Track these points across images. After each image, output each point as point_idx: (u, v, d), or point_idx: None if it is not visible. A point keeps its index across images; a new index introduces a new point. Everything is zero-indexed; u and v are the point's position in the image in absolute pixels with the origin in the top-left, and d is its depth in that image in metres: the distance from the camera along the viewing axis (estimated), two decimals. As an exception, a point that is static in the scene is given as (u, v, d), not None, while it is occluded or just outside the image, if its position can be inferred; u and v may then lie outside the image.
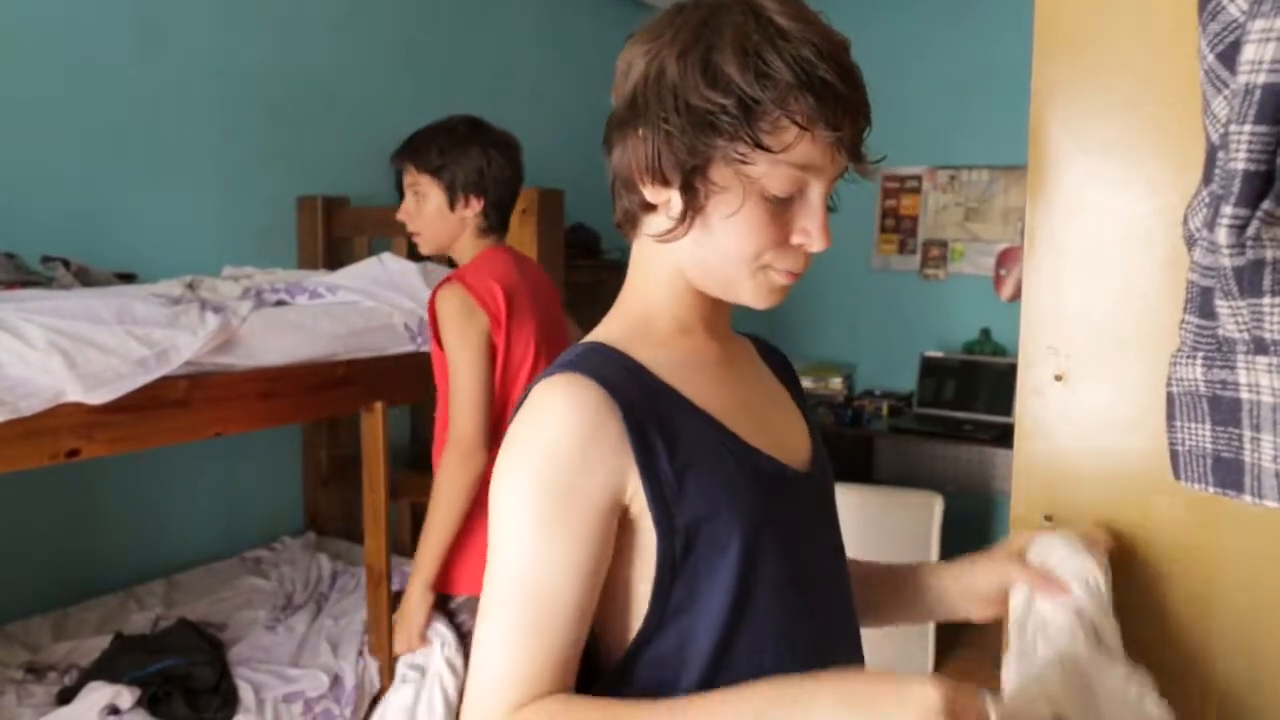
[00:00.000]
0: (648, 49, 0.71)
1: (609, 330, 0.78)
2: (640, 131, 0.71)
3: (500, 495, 0.69)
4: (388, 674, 2.10)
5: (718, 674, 0.71)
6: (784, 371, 0.94)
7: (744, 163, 0.67)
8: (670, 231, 0.72)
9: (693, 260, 0.75)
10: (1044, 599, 0.77)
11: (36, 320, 1.54)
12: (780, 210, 0.70)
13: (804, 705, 0.60)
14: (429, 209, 1.82)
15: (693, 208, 0.70)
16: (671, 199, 0.72)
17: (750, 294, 0.74)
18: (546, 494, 0.66)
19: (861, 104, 0.70)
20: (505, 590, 0.67)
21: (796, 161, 0.68)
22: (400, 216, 1.87)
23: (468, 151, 1.80)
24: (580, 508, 0.66)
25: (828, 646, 0.79)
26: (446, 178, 1.79)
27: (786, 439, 0.82)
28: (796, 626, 0.75)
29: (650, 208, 0.74)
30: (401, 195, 2.95)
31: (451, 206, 1.81)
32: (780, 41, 0.66)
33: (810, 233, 0.71)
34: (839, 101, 0.67)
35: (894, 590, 0.94)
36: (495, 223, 1.85)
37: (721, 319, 0.83)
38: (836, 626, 0.81)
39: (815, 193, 0.71)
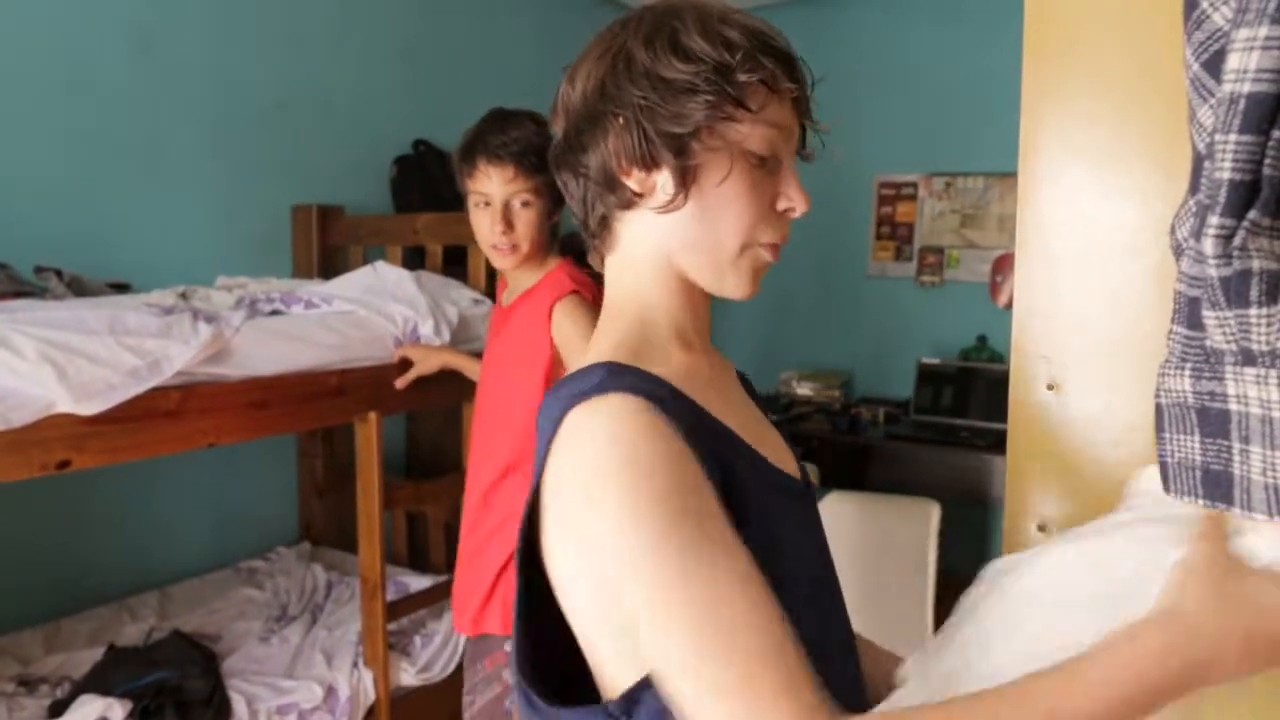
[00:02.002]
0: (601, 53, 0.74)
1: (613, 348, 0.73)
2: (620, 119, 0.71)
3: (620, 539, 0.59)
4: (382, 686, 2.09)
5: None
6: (752, 391, 0.93)
7: (731, 120, 0.70)
8: (669, 203, 0.71)
9: (685, 241, 0.74)
10: None
11: (27, 331, 1.53)
12: (761, 178, 0.73)
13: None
14: (535, 218, 1.62)
15: (688, 175, 0.71)
16: (660, 180, 0.72)
17: (736, 276, 0.75)
18: (671, 504, 0.59)
19: (805, 73, 0.76)
20: (702, 640, 0.56)
21: (771, 120, 0.72)
22: (503, 233, 1.60)
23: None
24: (704, 499, 0.61)
25: (842, 653, 0.79)
26: (551, 182, 1.65)
27: (779, 451, 0.82)
28: (820, 636, 0.74)
29: (633, 200, 0.74)
30: (400, 204, 2.99)
31: (550, 214, 1.65)
32: (733, 19, 0.72)
33: (792, 197, 0.75)
34: (793, 63, 0.74)
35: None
36: (554, 245, 1.71)
37: (708, 330, 0.83)
38: (844, 631, 0.82)
39: (786, 158, 0.75)
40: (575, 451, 0.63)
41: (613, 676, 0.64)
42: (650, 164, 0.71)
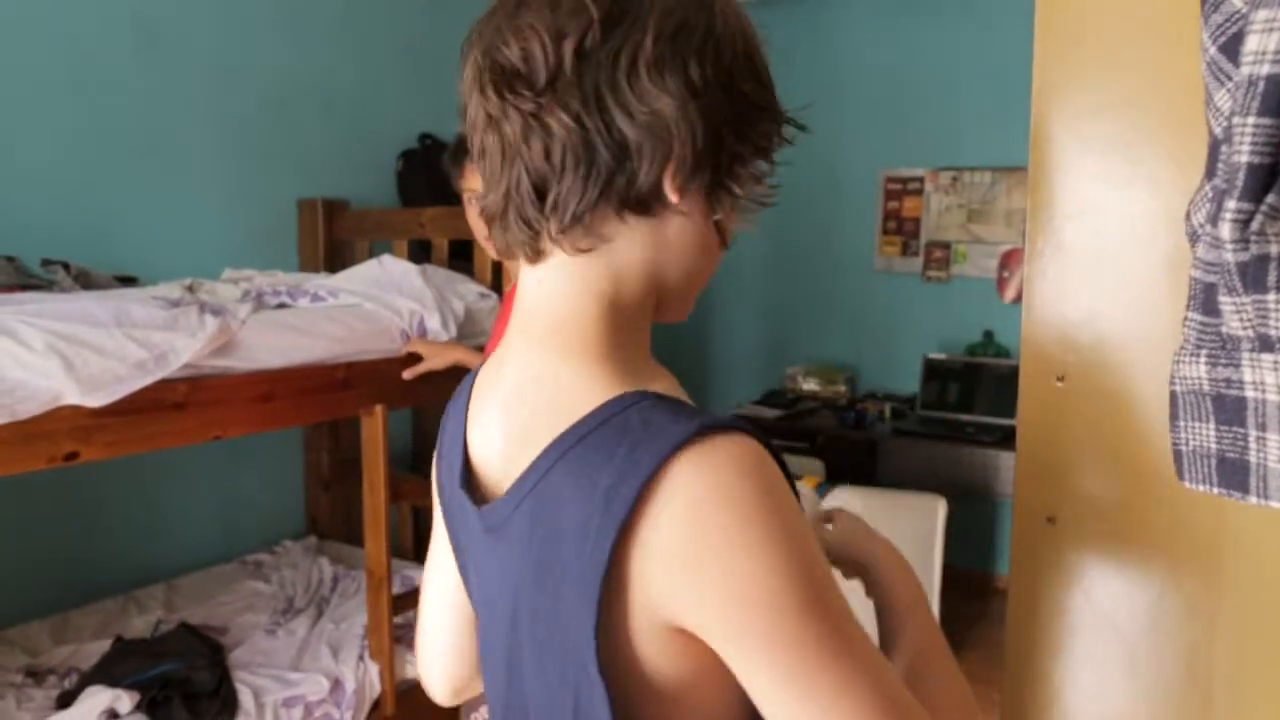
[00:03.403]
0: (660, 16, 0.57)
1: (637, 377, 0.63)
2: (689, 126, 0.57)
3: (768, 575, 0.53)
4: (388, 678, 2.09)
5: None
6: None
7: (768, 151, 0.62)
8: (715, 230, 0.63)
9: (683, 261, 0.64)
10: None
11: (35, 323, 1.53)
12: None
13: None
14: None
15: (729, 204, 0.62)
16: (696, 199, 0.61)
17: (692, 303, 0.69)
18: (814, 563, 0.54)
19: None
20: (856, 660, 0.53)
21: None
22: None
23: None
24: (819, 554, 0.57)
25: None
26: None
27: None
28: None
29: (657, 210, 0.60)
30: (406, 198, 2.99)
31: None
32: (761, 49, 0.63)
33: None
34: None
35: None
36: None
37: None
38: None
39: None
40: (699, 504, 0.53)
41: None
42: (698, 180, 0.59)
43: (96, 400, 1.56)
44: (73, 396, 1.53)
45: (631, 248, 0.62)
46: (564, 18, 0.56)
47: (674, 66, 0.57)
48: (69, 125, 2.23)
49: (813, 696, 0.52)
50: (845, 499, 2.74)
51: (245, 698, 1.90)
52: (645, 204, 0.59)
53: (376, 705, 2.09)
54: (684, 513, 0.53)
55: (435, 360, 2.12)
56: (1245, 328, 0.55)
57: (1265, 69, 0.49)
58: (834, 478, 3.29)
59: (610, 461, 0.55)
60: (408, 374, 2.11)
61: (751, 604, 0.53)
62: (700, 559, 0.53)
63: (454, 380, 2.17)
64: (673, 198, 0.59)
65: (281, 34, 2.69)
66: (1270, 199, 0.50)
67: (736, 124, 0.59)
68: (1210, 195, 0.58)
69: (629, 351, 0.63)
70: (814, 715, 0.52)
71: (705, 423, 0.54)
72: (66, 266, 1.98)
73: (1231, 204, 0.51)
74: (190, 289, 2.04)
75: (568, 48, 0.56)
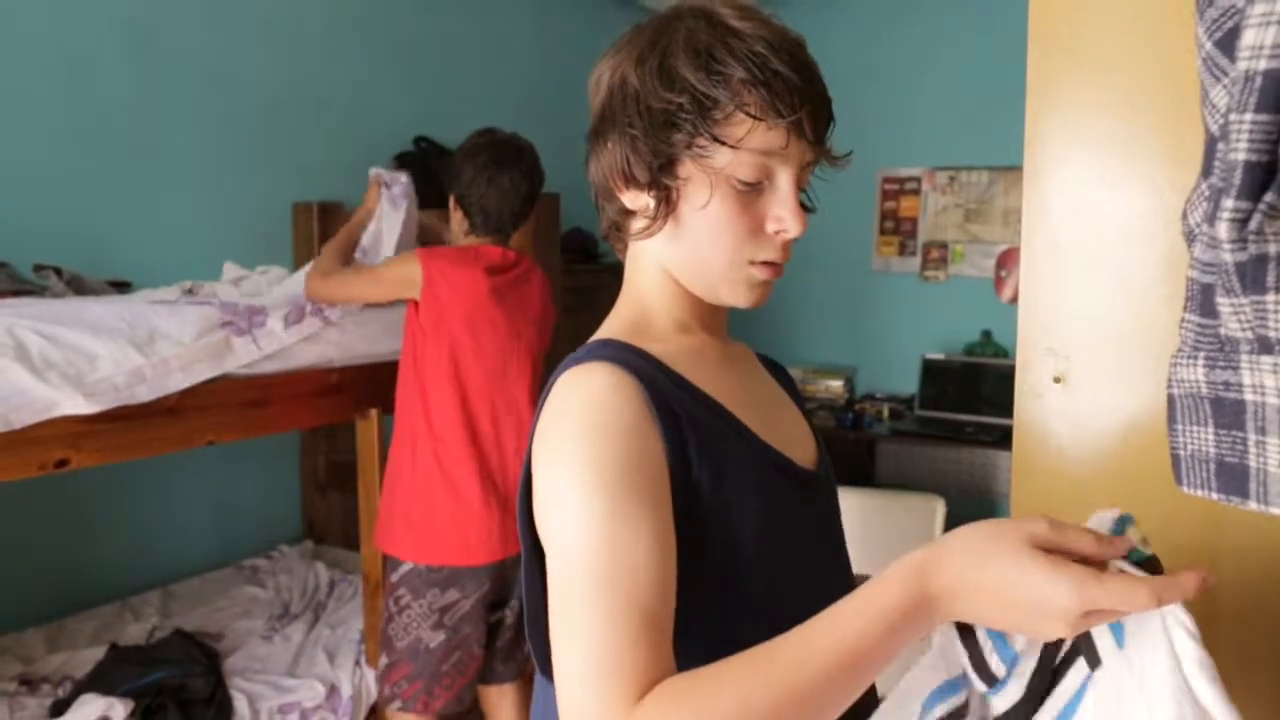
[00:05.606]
0: (613, 63, 0.75)
1: (612, 328, 0.79)
2: (609, 141, 0.74)
3: (558, 483, 0.64)
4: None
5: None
6: (785, 381, 0.95)
7: (704, 156, 0.70)
8: (646, 229, 0.74)
9: (674, 260, 0.77)
10: None
11: (41, 329, 1.52)
12: (751, 199, 0.72)
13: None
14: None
15: (665, 203, 0.73)
16: (646, 200, 0.74)
17: (730, 291, 0.76)
18: (607, 466, 0.62)
19: (817, 93, 0.72)
20: (587, 573, 0.60)
21: (757, 148, 0.70)
22: None
23: (458, 162, 1.98)
24: (642, 473, 0.63)
25: None
26: (449, 188, 2.01)
27: (792, 437, 0.83)
28: (790, 616, 0.74)
29: (630, 213, 0.77)
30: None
31: (453, 211, 2.01)
32: (732, 40, 0.69)
33: (783, 219, 0.73)
34: (792, 91, 0.69)
35: None
36: (479, 226, 1.98)
37: (718, 321, 0.84)
38: None
39: (783, 179, 0.73)
40: (553, 409, 0.68)
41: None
42: (636, 185, 0.74)
43: (96, 405, 1.54)
44: (72, 405, 1.51)
45: (636, 244, 0.80)
46: None
47: (599, 127, 0.77)
48: (61, 129, 2.21)
49: (555, 606, 0.61)
50: (843, 500, 2.73)
51: (241, 704, 1.89)
52: (619, 210, 0.77)
53: (373, 711, 2.08)
54: (545, 414, 0.69)
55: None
56: (1244, 329, 0.54)
57: (1262, 64, 0.48)
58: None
59: (556, 373, 0.72)
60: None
61: (546, 504, 0.66)
62: (539, 450, 0.68)
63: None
64: (617, 193, 0.75)
65: (275, 37, 2.68)
66: (1269, 197, 0.49)
67: (635, 140, 0.72)
68: (1207, 194, 0.57)
69: (645, 316, 0.79)
70: (554, 626, 0.61)
71: (580, 357, 0.71)
72: (59, 271, 1.97)
73: (1229, 203, 0.50)
74: (190, 292, 2.03)
75: None
